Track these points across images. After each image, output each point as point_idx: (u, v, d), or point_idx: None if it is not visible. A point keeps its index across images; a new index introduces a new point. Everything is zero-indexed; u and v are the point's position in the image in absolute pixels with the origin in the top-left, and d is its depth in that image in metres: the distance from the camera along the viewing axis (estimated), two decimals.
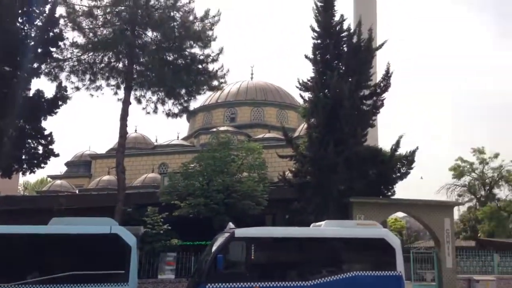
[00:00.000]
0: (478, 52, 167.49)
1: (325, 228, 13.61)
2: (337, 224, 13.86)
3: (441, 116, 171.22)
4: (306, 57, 22.44)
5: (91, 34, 20.71)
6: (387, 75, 21.75)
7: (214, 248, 12.17)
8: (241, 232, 12.41)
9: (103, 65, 21.71)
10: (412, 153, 21.71)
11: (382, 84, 21.87)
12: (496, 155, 41.76)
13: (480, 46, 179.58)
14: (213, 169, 20.28)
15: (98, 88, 22.19)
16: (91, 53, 21.35)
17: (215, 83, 22.54)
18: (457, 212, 45.06)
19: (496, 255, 22.46)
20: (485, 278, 20.15)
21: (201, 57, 21.44)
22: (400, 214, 37.63)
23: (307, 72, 26.55)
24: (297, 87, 22.44)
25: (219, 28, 26.38)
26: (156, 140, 40.50)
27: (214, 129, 32.82)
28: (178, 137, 40.22)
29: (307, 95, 22.40)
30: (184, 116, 27.64)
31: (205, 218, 19.48)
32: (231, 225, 13.12)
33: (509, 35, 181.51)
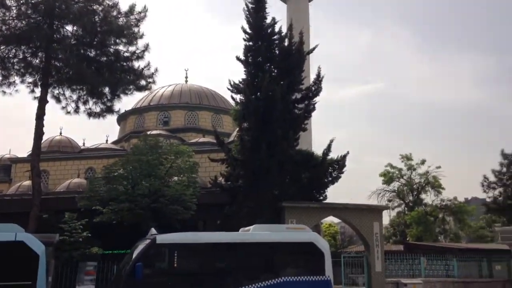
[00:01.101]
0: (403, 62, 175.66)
1: (253, 233, 13.07)
2: (266, 228, 13.39)
3: (375, 123, 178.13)
4: (238, 58, 22.03)
5: (3, 27, 18.95)
6: (318, 79, 21.78)
7: (133, 256, 11.28)
8: (163, 238, 11.59)
9: (17, 60, 19.93)
10: (343, 157, 21.86)
11: (313, 88, 21.87)
12: (423, 162, 43.49)
13: (403, 57, 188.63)
14: (140, 172, 19.19)
15: (11, 84, 20.38)
16: (3, 47, 19.54)
17: (143, 82, 21.48)
18: (388, 217, 46.52)
19: (423, 259, 23.01)
20: (412, 281, 20.51)
21: (126, 55, 20.31)
22: (335, 220, 38.14)
23: (240, 74, 26.15)
24: (228, 88, 21.96)
25: (150, 27, 25.21)
26: (84, 143, 38.41)
27: (147, 133, 31.58)
28: (107, 140, 38.34)
29: (239, 97, 21.95)
30: (115, 119, 26.21)
31: (132, 224, 18.36)
32: (153, 231, 12.25)
33: (425, 50, 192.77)
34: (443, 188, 43.06)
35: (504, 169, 25.14)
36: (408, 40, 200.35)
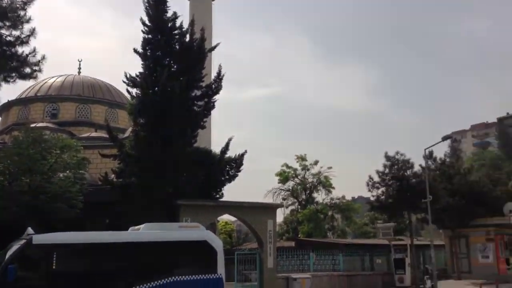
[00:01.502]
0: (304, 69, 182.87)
1: (142, 232, 12.56)
2: (157, 227, 12.96)
3: (274, 125, 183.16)
4: (136, 51, 21.13)
5: None
6: (219, 77, 21.67)
7: (6, 257, 10.24)
8: (40, 238, 10.69)
9: None
10: (241, 156, 21.99)
11: (213, 86, 21.70)
12: (316, 162, 45.64)
13: (302, 64, 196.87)
14: (19, 167, 17.48)
15: None
16: None
17: (27, 70, 19.50)
18: (282, 215, 48.09)
19: (312, 254, 24.00)
20: (301, 276, 21.27)
21: (9, 39, 18.34)
22: (232, 218, 38.46)
23: (138, 68, 25.12)
24: (124, 82, 20.89)
25: (39, 12, 23.16)
26: None
27: (31, 125, 29.03)
28: None
29: (135, 91, 21.05)
30: None
31: (7, 223, 16.64)
32: (30, 230, 11.22)
33: (323, 58, 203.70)
34: (333, 188, 45.60)
35: (387, 170, 27.05)
36: (307, 48, 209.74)
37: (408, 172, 26.81)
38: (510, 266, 28.73)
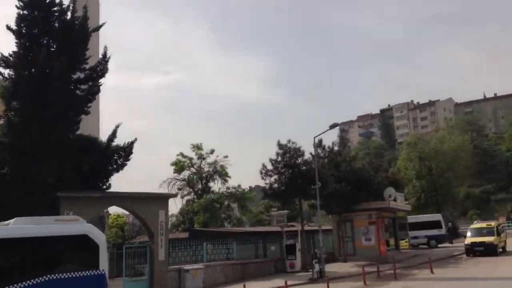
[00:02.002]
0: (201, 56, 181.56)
1: (10, 227, 11.19)
2: (30, 221, 11.64)
3: (172, 114, 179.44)
4: (8, 28, 18.94)
5: None
6: (104, 59, 20.28)
7: None
8: None
9: None
10: (130, 144, 20.92)
11: (98, 69, 20.26)
12: (212, 151, 45.45)
13: (203, 52, 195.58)
14: None
15: None
16: None
17: None
18: (176, 206, 47.30)
19: (206, 244, 23.68)
20: (194, 267, 20.85)
21: None
22: (125, 211, 36.78)
23: (11, 46, 22.62)
24: None
25: None
26: None
27: None
28: None
29: (7, 72, 18.90)
30: None
31: None
32: None
33: (224, 47, 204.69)
34: (229, 177, 45.80)
35: (279, 158, 27.57)
36: (208, 36, 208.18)
37: (299, 160, 27.58)
38: (390, 247, 31.11)
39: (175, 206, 62.79)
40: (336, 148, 32.94)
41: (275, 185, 27.73)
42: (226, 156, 45.62)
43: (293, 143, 27.87)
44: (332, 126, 24.78)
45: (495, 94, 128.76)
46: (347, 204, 28.80)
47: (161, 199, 21.47)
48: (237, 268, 23.89)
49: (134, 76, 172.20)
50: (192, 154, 45.50)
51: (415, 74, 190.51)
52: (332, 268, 25.24)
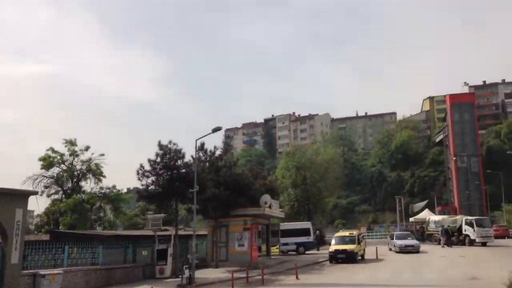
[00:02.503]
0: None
1: None
2: None
3: (46, 105, 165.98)
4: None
5: None
6: None
7: None
8: None
9: None
10: None
11: None
12: (87, 148, 42.58)
13: (88, 43, 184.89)
14: None
15: None
16: None
17: None
18: (45, 205, 43.37)
19: (68, 247, 21.83)
20: (51, 272, 19.03)
21: None
22: None
23: None
24: None
25: None
26: None
27: None
28: None
29: None
30: None
31: None
32: None
33: (112, 40, 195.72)
34: (104, 176, 43.26)
35: (159, 159, 26.66)
36: (95, 27, 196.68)
37: (180, 162, 26.94)
38: (261, 253, 31.81)
39: (37, 205, 57.76)
40: (218, 152, 32.90)
41: (152, 187, 26.72)
42: (103, 154, 43.13)
43: (174, 144, 27.16)
44: (215, 130, 24.63)
45: (366, 113, 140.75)
46: (224, 209, 28.81)
47: (19, 196, 19.24)
48: (101, 274, 22.40)
49: (10, 63, 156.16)
50: (65, 150, 42.17)
51: (298, 88, 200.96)
52: (203, 274, 24.97)
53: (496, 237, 44.04)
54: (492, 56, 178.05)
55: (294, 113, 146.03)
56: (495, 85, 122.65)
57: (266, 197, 31.34)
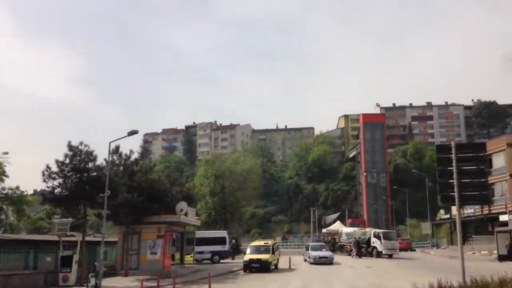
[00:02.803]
0: None
1: None
2: None
3: None
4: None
5: None
6: None
7: None
8: None
9: None
10: None
11: None
12: None
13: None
14: None
15: None
16: None
17: None
18: None
19: None
20: None
21: None
22: None
23: None
24: None
25: None
26: None
27: None
28: None
29: None
30: None
31: None
32: None
33: (23, 36, 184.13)
34: (7, 176, 39.94)
35: (68, 161, 25.06)
36: (7, 22, 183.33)
37: (90, 164, 25.53)
38: (175, 261, 30.96)
39: None
40: (134, 156, 31.64)
41: (58, 190, 25.03)
42: (6, 153, 39.65)
43: (85, 145, 25.70)
44: (131, 133, 23.70)
45: (285, 126, 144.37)
46: (137, 215, 27.69)
47: None
48: None
49: None
50: None
51: (221, 97, 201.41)
52: (110, 282, 23.73)
53: (400, 249, 46.71)
54: (403, 80, 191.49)
55: (215, 122, 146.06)
56: (403, 108, 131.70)
57: (182, 204, 30.63)
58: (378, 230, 44.74)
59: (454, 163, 12.69)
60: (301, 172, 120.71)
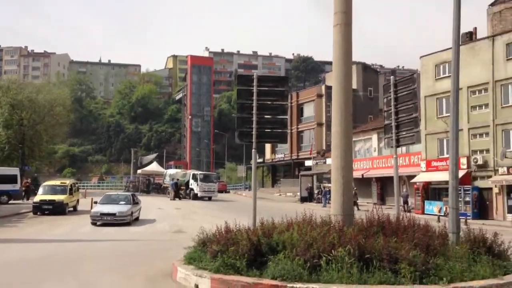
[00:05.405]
0: None
1: None
2: None
3: None
4: None
5: None
6: None
7: None
8: None
9: None
10: None
11: None
12: None
13: None
14: None
15: None
16: None
17: None
18: None
19: None
20: None
21: None
22: None
23: None
24: None
25: None
26: None
27: None
28: None
29: None
30: None
31: None
32: None
33: None
34: None
35: None
36: None
37: None
38: None
39: None
40: None
41: None
42: None
43: None
44: None
45: (109, 60, 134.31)
46: None
47: None
48: None
49: None
50: None
51: (32, 21, 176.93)
52: None
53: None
54: (233, 28, 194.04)
55: (26, 47, 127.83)
56: (231, 54, 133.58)
57: None
58: (196, 172, 44.08)
59: (255, 96, 11.29)
60: (123, 111, 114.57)
